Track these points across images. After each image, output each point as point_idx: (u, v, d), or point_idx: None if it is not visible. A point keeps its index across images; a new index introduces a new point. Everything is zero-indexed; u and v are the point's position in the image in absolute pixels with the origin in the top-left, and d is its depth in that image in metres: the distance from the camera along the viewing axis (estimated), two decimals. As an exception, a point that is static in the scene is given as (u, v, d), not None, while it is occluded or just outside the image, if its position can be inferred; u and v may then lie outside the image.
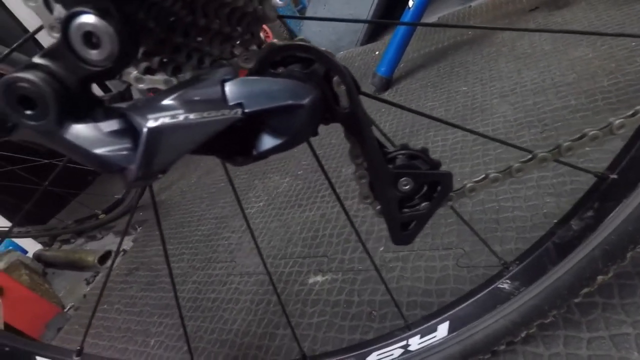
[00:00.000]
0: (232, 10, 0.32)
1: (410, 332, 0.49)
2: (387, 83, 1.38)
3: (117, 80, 0.33)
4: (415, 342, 0.49)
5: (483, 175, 0.42)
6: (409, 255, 0.72)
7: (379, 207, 0.40)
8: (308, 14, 2.06)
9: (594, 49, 0.97)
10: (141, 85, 0.33)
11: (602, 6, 1.11)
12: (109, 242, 1.58)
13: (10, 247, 1.44)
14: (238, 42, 0.34)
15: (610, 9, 1.08)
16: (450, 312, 0.48)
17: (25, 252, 1.51)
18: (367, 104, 0.34)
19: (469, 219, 0.72)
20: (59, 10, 0.27)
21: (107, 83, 2.10)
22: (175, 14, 0.30)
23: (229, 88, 0.29)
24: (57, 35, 0.28)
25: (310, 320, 0.71)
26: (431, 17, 1.69)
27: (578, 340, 0.48)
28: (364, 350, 0.51)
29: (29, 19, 1.99)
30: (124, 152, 0.26)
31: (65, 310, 1.24)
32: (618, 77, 0.84)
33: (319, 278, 0.80)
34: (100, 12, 0.25)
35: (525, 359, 0.49)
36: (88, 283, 1.35)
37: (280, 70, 0.33)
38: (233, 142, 0.31)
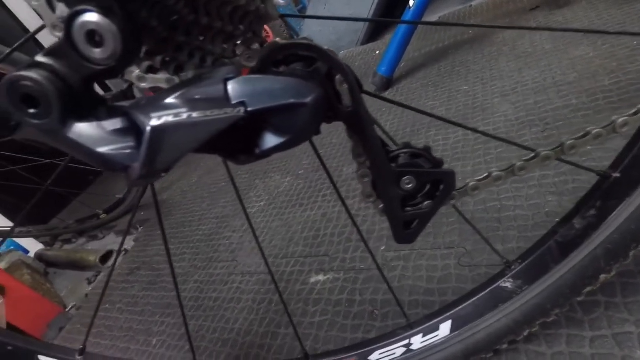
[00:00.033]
0: (235, 8, 0.32)
1: (413, 331, 0.49)
2: (388, 82, 1.38)
3: (119, 79, 0.33)
4: (418, 341, 0.49)
5: (486, 174, 0.42)
6: (410, 254, 0.72)
7: (381, 205, 0.40)
8: (308, 13, 2.06)
9: (595, 48, 0.96)
10: (143, 84, 0.33)
11: (603, 5, 1.11)
12: (111, 241, 1.58)
13: (12, 247, 1.45)
14: (240, 41, 0.34)
15: (611, 7, 1.08)
16: (453, 311, 0.48)
17: (27, 252, 1.50)
18: (368, 104, 0.34)
19: (470, 218, 0.72)
20: (62, 9, 0.27)
21: (108, 82, 2.10)
22: (178, 12, 0.31)
23: (231, 87, 0.29)
24: (59, 34, 0.28)
25: (312, 320, 0.71)
26: (432, 17, 1.69)
27: (581, 339, 0.48)
28: (366, 349, 0.51)
29: (30, 19, 1.99)
30: (128, 151, 0.26)
31: (67, 309, 1.24)
32: (619, 76, 0.84)
33: (321, 277, 0.80)
34: (103, 11, 0.25)
35: (528, 358, 0.49)
36: (90, 283, 1.35)
37: (283, 69, 0.33)
38: (236, 140, 0.31)
